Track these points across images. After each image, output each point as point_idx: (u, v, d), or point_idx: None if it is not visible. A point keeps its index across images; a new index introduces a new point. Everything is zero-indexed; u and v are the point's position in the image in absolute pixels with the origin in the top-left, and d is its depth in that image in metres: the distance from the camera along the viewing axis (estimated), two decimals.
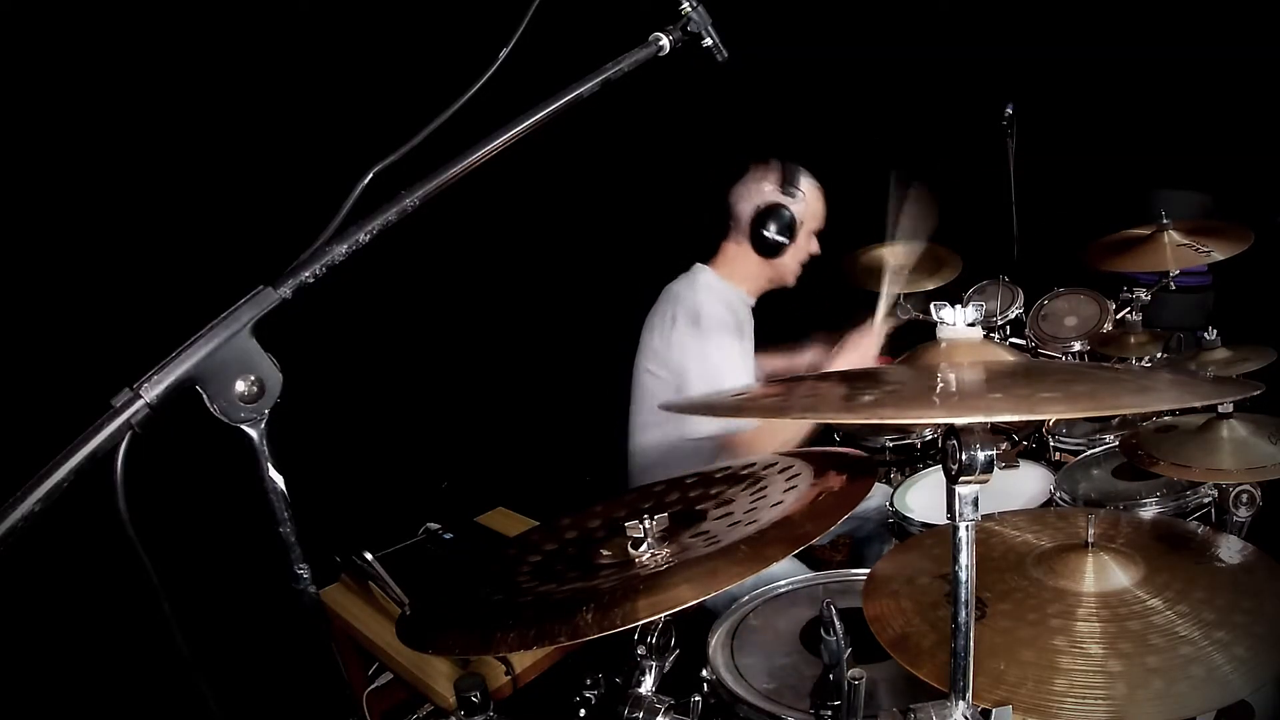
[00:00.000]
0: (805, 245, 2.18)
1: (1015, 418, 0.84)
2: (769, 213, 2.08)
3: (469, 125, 0.97)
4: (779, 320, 2.57)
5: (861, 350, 2.00)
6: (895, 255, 2.95)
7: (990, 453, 0.80)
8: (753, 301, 2.28)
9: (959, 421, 0.80)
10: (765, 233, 2.08)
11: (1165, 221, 2.35)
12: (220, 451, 0.89)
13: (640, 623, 0.95)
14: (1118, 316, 2.59)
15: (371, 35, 2.72)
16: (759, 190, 2.12)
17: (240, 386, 0.78)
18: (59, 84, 2.20)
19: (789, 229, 2.08)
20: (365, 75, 2.67)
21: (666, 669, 1.17)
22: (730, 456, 2.02)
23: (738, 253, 2.18)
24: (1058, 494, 1.85)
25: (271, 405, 0.80)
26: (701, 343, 2.05)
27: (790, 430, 1.97)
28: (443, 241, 2.72)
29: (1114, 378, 1.03)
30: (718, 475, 1.37)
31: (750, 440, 1.97)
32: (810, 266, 2.27)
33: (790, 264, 2.18)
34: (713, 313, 2.07)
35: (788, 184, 2.10)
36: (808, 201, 2.13)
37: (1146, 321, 2.47)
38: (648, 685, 1.14)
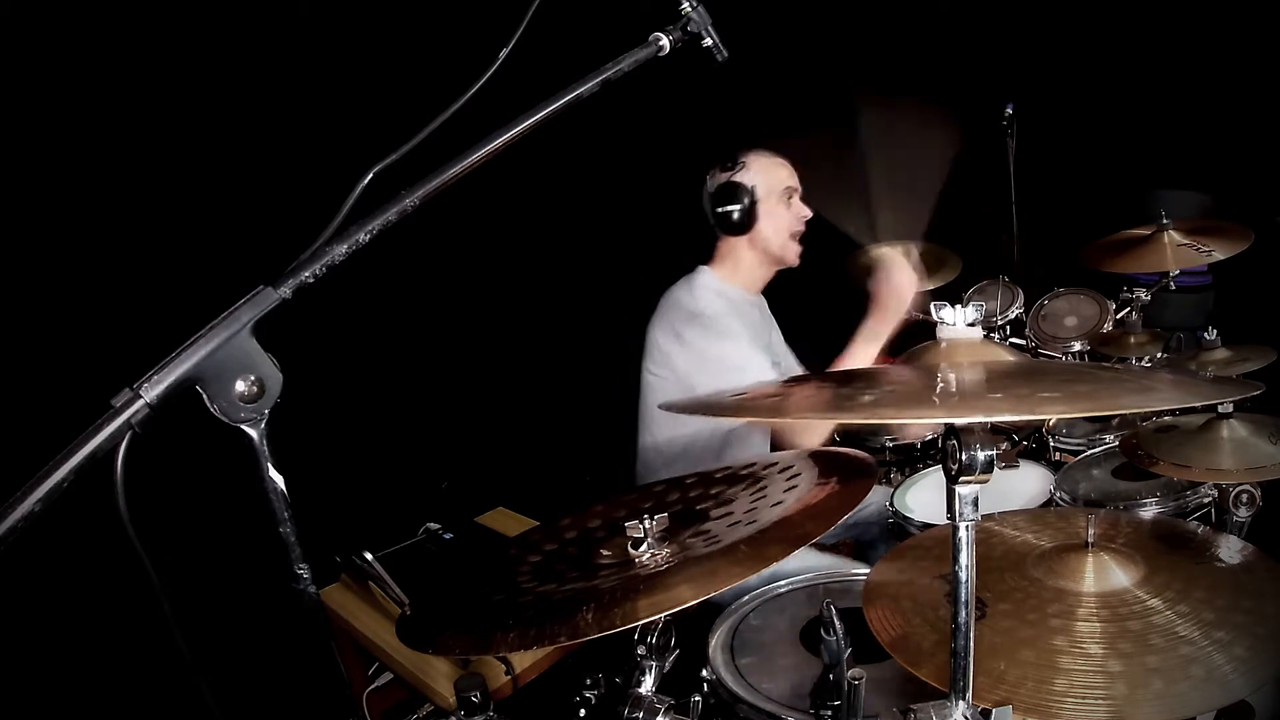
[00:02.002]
0: (783, 212, 2.16)
1: (1015, 418, 0.84)
2: (718, 192, 2.13)
3: (469, 125, 0.97)
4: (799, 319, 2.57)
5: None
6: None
7: (990, 453, 0.80)
8: (755, 297, 2.28)
9: (959, 421, 0.80)
10: (720, 210, 2.12)
11: (1165, 222, 2.35)
12: (220, 451, 0.89)
13: (640, 623, 0.95)
14: (1118, 316, 2.59)
15: (371, 35, 2.72)
16: (710, 180, 2.18)
17: (240, 386, 0.78)
18: (59, 84, 2.20)
19: (744, 197, 2.11)
20: (365, 75, 2.67)
21: (666, 669, 1.17)
22: (769, 443, 2.08)
23: (726, 246, 2.20)
24: (1058, 494, 1.85)
25: (271, 405, 0.80)
26: (705, 343, 2.05)
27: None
28: (443, 242, 2.72)
29: (1114, 378, 1.03)
30: (718, 475, 1.37)
31: (785, 428, 2.02)
32: (815, 263, 2.27)
33: (773, 237, 2.17)
34: (713, 311, 2.08)
35: (726, 162, 2.15)
36: (756, 169, 2.14)
37: (1146, 321, 2.47)
38: (648, 685, 1.14)
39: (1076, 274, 2.70)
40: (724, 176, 2.14)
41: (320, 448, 2.28)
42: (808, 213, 2.21)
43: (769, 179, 2.15)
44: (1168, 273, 2.38)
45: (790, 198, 2.18)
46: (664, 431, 2.20)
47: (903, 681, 1.18)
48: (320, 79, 2.60)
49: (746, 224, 2.13)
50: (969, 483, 0.82)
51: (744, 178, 2.12)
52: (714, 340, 2.05)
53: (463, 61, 1.08)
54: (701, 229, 2.23)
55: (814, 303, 2.65)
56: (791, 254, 2.21)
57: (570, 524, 1.32)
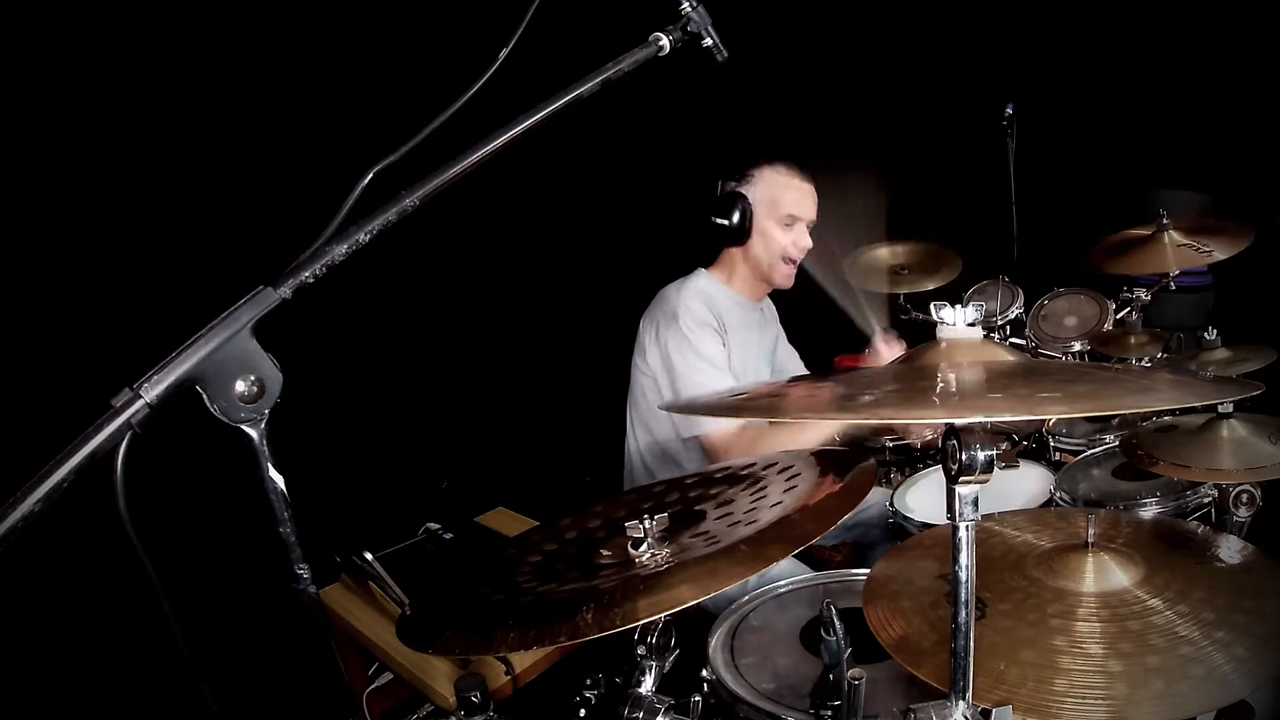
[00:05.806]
0: (778, 234, 2.13)
1: (1015, 418, 0.84)
2: (718, 200, 2.13)
3: (469, 125, 0.97)
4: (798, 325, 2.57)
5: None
6: (896, 255, 2.96)
7: (990, 453, 0.80)
8: (756, 303, 2.27)
9: (959, 421, 0.80)
10: (716, 220, 2.11)
11: (1165, 222, 2.35)
12: (220, 451, 0.89)
13: (640, 623, 0.95)
14: (1118, 316, 2.59)
15: (371, 35, 2.72)
16: (720, 186, 2.17)
17: (240, 386, 0.78)
18: (59, 84, 2.20)
19: (739, 210, 2.09)
20: (365, 75, 2.67)
21: (666, 669, 1.17)
22: (710, 461, 2.00)
23: (726, 254, 2.20)
24: (1058, 494, 1.85)
25: (271, 405, 0.80)
26: (675, 348, 2.04)
27: (777, 438, 1.95)
28: (443, 242, 2.73)
29: (1114, 378, 1.03)
30: (718, 475, 1.37)
31: (730, 446, 1.96)
32: (813, 266, 2.26)
33: (763, 256, 2.14)
34: (690, 314, 2.05)
35: (735, 170, 2.14)
36: (763, 184, 2.12)
37: (1146, 321, 2.47)
38: (648, 685, 1.14)
39: (1076, 274, 2.70)
40: (729, 185, 2.14)
41: (320, 448, 2.29)
42: (808, 244, 2.18)
43: (772, 197, 2.12)
44: (1168, 272, 2.38)
45: (792, 224, 2.14)
46: (648, 431, 2.20)
47: (903, 682, 1.18)
48: (320, 79, 2.60)
49: (738, 237, 2.11)
50: (969, 483, 0.82)
51: (746, 190, 2.12)
52: (685, 348, 2.03)
53: (463, 61, 1.08)
54: (706, 233, 2.22)
55: (813, 303, 2.65)
56: (779, 276, 2.19)
57: (570, 524, 1.32)
